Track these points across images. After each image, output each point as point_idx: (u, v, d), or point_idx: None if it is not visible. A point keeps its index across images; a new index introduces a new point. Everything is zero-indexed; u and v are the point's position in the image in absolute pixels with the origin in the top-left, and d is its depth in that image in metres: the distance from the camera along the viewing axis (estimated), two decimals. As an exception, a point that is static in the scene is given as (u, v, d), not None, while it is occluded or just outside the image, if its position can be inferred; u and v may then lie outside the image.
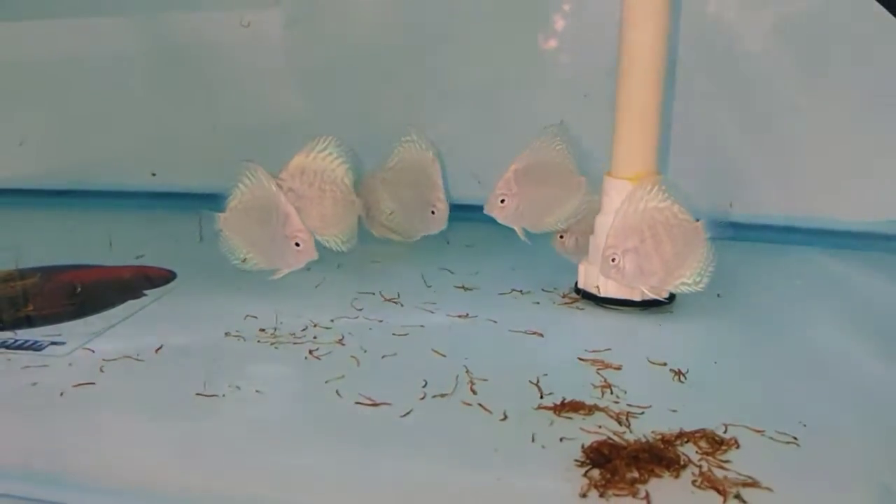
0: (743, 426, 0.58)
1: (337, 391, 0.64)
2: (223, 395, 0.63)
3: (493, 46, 1.09)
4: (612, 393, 0.64)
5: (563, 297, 0.85)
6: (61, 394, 0.63)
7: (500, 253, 0.98)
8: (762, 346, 0.73)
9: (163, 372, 0.68)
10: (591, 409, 0.61)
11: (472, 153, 1.08)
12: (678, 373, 0.67)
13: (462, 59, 1.11)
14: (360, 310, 0.81)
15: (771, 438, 0.57)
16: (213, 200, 1.03)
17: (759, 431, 0.57)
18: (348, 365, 0.69)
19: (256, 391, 0.64)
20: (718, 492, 0.50)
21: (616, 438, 0.56)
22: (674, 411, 0.60)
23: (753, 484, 0.51)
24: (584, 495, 0.50)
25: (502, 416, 0.60)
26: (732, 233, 0.80)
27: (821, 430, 0.58)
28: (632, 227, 0.77)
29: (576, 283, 0.86)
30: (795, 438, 0.56)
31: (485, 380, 0.66)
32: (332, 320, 0.78)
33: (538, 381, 0.65)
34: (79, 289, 0.87)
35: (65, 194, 1.22)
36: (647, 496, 0.50)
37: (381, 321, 0.79)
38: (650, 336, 0.76)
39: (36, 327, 0.77)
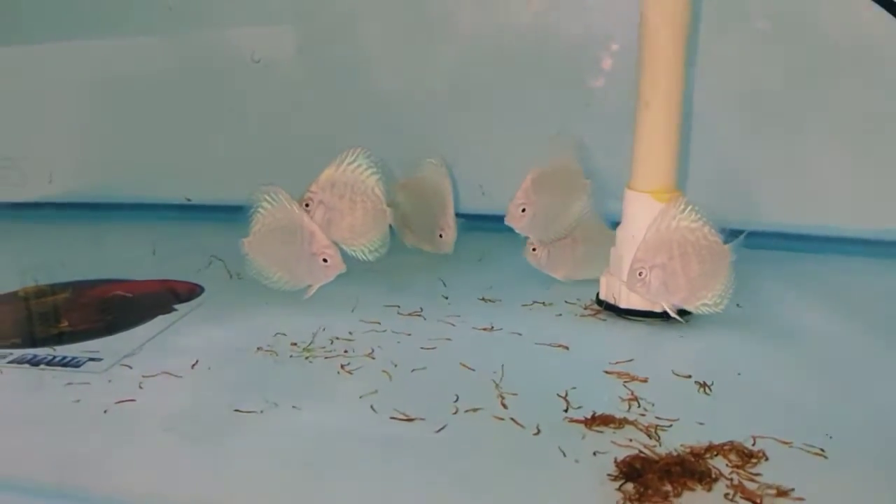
0: (771, 438, 0.59)
1: (372, 406, 0.66)
2: (261, 412, 0.65)
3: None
4: (639, 406, 0.65)
5: (585, 308, 0.87)
6: (105, 411, 0.65)
7: (512, 264, 0.98)
8: (785, 357, 0.75)
9: (200, 388, 0.70)
10: (621, 423, 0.62)
11: (476, 164, 1.10)
12: (703, 385, 0.68)
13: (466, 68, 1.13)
14: (385, 323, 0.83)
15: (800, 449, 0.58)
16: (239, 212, 1.08)
17: (786, 443, 0.59)
18: (380, 379, 0.71)
19: (293, 407, 0.66)
20: (753, 501, 0.52)
21: (647, 452, 0.58)
22: (701, 424, 0.62)
23: (785, 494, 0.53)
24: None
25: (535, 431, 0.62)
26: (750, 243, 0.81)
27: (847, 441, 0.59)
28: (662, 244, 0.79)
29: (597, 295, 0.88)
30: (823, 451, 0.58)
31: (514, 394, 0.68)
32: (361, 333, 0.80)
33: (566, 395, 0.67)
34: (128, 296, 0.89)
35: (89, 207, 1.24)
36: (681, 509, 0.52)
37: (408, 334, 0.80)
38: (673, 348, 0.78)
39: (72, 343, 0.79)
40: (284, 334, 0.80)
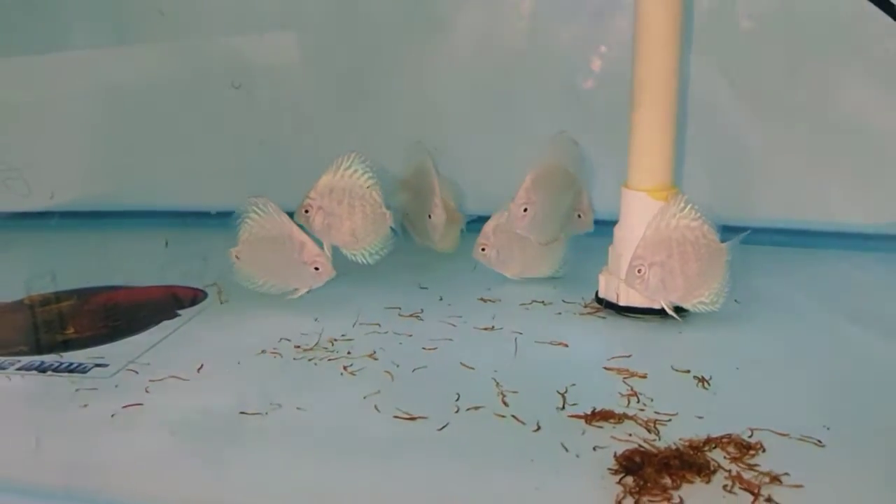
0: (768, 430, 0.60)
1: (376, 406, 0.67)
2: (266, 413, 0.66)
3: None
4: (639, 401, 0.66)
5: (585, 306, 0.88)
6: (112, 415, 0.66)
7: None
8: (782, 352, 0.76)
9: (206, 391, 0.71)
10: (620, 418, 0.63)
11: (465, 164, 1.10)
12: (702, 380, 0.69)
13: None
14: (386, 324, 0.84)
15: (798, 440, 0.59)
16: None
17: (783, 435, 0.60)
18: (383, 380, 0.72)
19: (298, 408, 0.67)
20: (751, 493, 0.53)
21: (647, 446, 0.59)
22: (700, 418, 0.63)
23: (780, 482, 0.54)
24: (619, 503, 0.53)
25: (535, 427, 0.63)
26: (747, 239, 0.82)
27: (844, 433, 0.60)
28: (661, 242, 0.80)
29: (596, 293, 0.89)
30: (820, 441, 0.59)
31: (515, 392, 0.69)
32: (363, 335, 0.81)
33: (566, 392, 0.68)
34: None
35: (93, 216, 1.25)
36: (682, 502, 0.53)
37: (409, 335, 0.81)
38: (671, 344, 0.79)
39: (78, 350, 0.79)
40: (288, 338, 0.81)
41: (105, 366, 0.76)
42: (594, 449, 0.59)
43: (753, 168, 1.06)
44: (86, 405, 0.68)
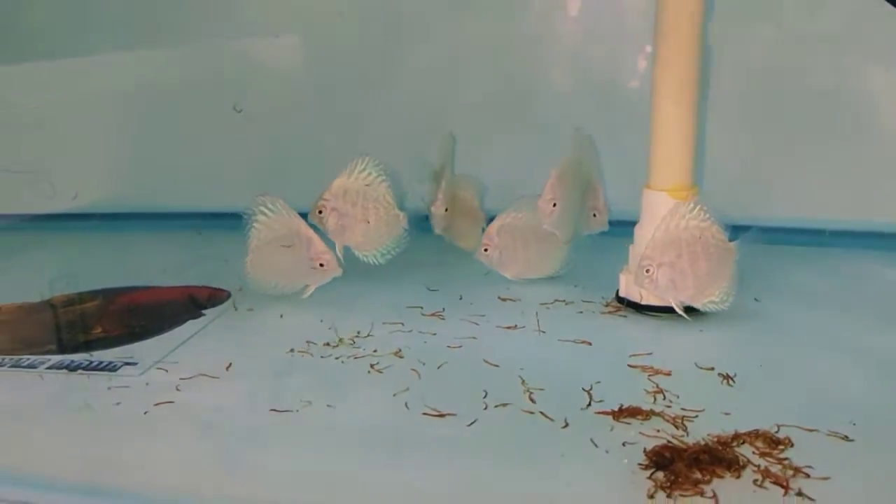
0: (795, 426, 0.61)
1: (406, 404, 0.67)
2: (297, 411, 0.67)
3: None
4: (665, 398, 0.67)
5: (606, 305, 0.88)
6: (145, 413, 0.67)
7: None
8: (804, 349, 0.76)
9: (236, 388, 0.72)
10: (647, 415, 0.64)
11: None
12: (726, 377, 0.70)
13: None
14: (409, 323, 0.85)
15: (825, 435, 0.60)
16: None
17: (811, 430, 0.60)
18: (410, 377, 0.73)
19: (328, 405, 0.68)
20: (781, 486, 0.53)
21: (675, 442, 0.60)
22: (727, 414, 0.64)
23: (807, 475, 0.55)
24: (651, 496, 0.54)
25: (563, 424, 0.63)
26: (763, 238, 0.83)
27: (871, 427, 0.61)
28: (671, 242, 0.80)
29: (616, 292, 0.89)
30: (847, 437, 0.59)
31: (541, 389, 0.69)
32: (387, 334, 0.82)
33: (591, 389, 0.69)
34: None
35: (114, 218, 1.26)
36: (715, 495, 0.53)
37: (433, 334, 0.82)
38: (694, 342, 0.79)
39: (106, 349, 0.80)
40: (313, 336, 0.82)
41: (134, 364, 0.76)
42: (623, 445, 0.60)
43: (772, 167, 1.06)
44: (118, 403, 0.69)
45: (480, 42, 1.14)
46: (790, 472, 0.55)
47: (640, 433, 0.61)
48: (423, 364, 0.75)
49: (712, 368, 0.72)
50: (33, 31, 1.20)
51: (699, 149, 0.86)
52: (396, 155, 0.96)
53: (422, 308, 0.89)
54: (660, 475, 0.56)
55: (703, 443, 0.59)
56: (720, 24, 0.99)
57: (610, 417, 0.64)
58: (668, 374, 0.71)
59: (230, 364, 0.76)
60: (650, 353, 0.76)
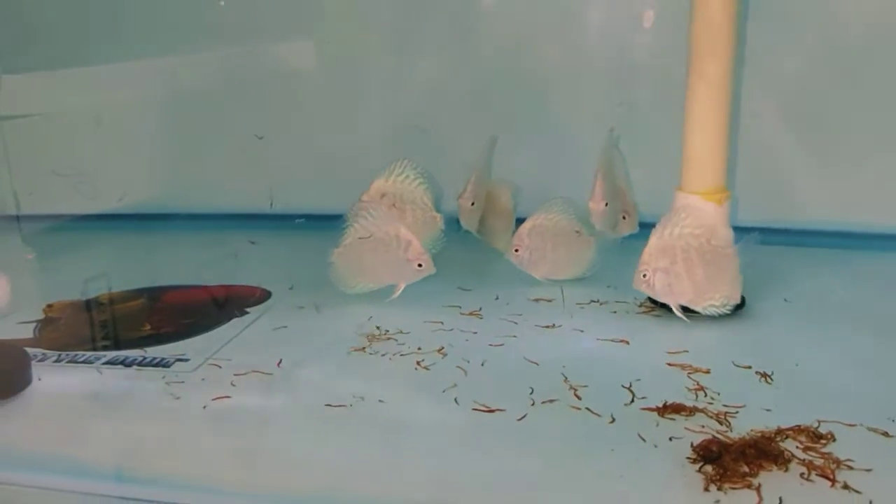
0: (836, 421, 0.63)
1: (455, 399, 0.70)
2: (350, 406, 0.69)
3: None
4: (706, 395, 0.69)
5: (639, 306, 0.91)
6: (204, 407, 0.70)
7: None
8: (838, 349, 0.78)
9: (289, 384, 0.74)
10: (691, 411, 0.66)
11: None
12: (764, 375, 0.72)
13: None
14: (449, 322, 0.87)
15: (866, 430, 0.62)
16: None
17: (851, 425, 0.63)
18: (456, 374, 0.75)
19: (379, 401, 0.70)
20: (827, 478, 0.56)
21: (721, 437, 0.62)
22: (768, 410, 0.66)
23: (851, 467, 0.57)
24: (707, 489, 0.56)
25: (611, 419, 0.66)
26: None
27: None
28: (665, 249, 0.84)
29: (649, 293, 0.92)
30: (888, 433, 0.62)
31: (585, 386, 0.72)
32: (430, 332, 0.84)
33: (630, 386, 0.71)
34: (221, 300, 0.96)
35: (155, 218, 1.29)
36: (758, 488, 0.55)
37: (474, 332, 0.84)
38: (728, 341, 0.81)
39: (157, 345, 0.83)
40: (357, 334, 0.84)
41: (186, 360, 0.79)
42: (670, 439, 0.62)
43: (803, 170, 1.08)
44: (178, 397, 0.71)
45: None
46: (834, 465, 0.58)
47: (686, 428, 0.64)
48: (468, 362, 0.77)
49: (749, 367, 0.74)
50: (74, 37, 1.22)
51: (732, 152, 0.88)
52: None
53: (460, 307, 0.92)
54: (709, 469, 0.58)
55: (747, 437, 0.61)
56: (755, 27, 1.01)
57: (655, 413, 0.66)
58: (707, 372, 0.74)
59: (280, 360, 0.78)
60: (686, 352, 0.78)
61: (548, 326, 0.86)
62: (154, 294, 0.98)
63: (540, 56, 1.16)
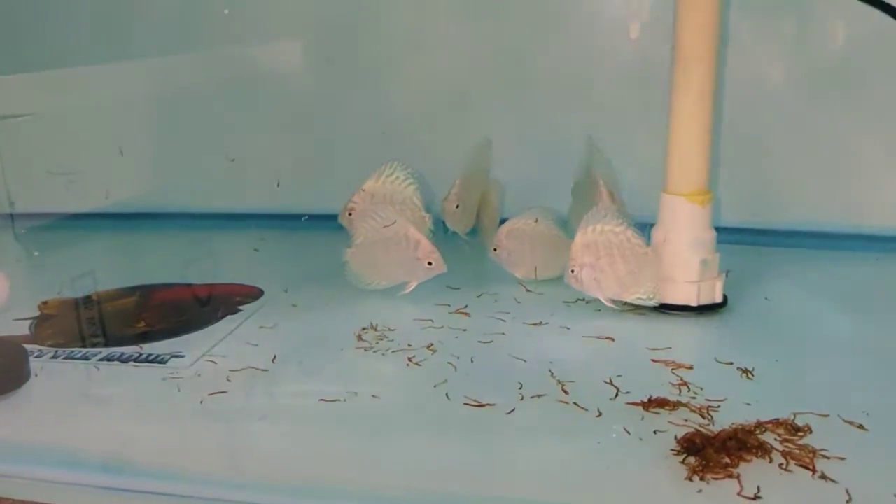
0: (812, 413, 0.66)
1: (447, 394, 0.72)
2: (344, 400, 0.71)
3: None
4: (689, 390, 0.72)
5: (624, 304, 0.93)
6: (201, 402, 0.71)
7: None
8: (816, 345, 0.81)
9: (284, 379, 0.76)
10: (675, 405, 0.69)
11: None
12: (745, 371, 0.75)
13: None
14: (439, 319, 0.89)
15: (841, 423, 0.65)
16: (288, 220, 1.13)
17: (824, 416, 0.65)
18: (447, 370, 0.77)
19: (373, 396, 0.72)
20: (807, 467, 0.58)
21: (703, 430, 0.64)
22: (748, 404, 0.68)
23: (827, 457, 0.59)
24: (689, 479, 0.58)
25: (597, 413, 0.68)
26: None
27: (884, 417, 0.65)
28: (589, 246, 0.88)
29: (633, 291, 0.94)
30: (862, 426, 0.64)
31: (572, 381, 0.74)
32: (420, 330, 0.86)
33: (614, 381, 0.73)
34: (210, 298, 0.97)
35: (145, 217, 1.30)
36: (738, 477, 0.58)
37: (464, 330, 0.87)
38: (710, 338, 0.84)
39: (151, 342, 0.84)
40: (348, 331, 0.86)
41: (181, 357, 0.80)
42: (654, 433, 0.65)
43: (786, 172, 1.11)
44: (175, 393, 0.73)
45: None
46: (811, 455, 0.60)
47: (670, 422, 0.66)
48: (458, 358, 0.79)
49: (731, 363, 0.77)
50: (61, 38, 1.23)
51: (714, 154, 0.91)
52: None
53: (449, 305, 0.93)
54: (692, 460, 0.61)
55: (729, 430, 0.64)
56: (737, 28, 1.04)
57: (640, 408, 0.69)
58: (690, 367, 0.76)
59: (275, 357, 0.80)
60: (669, 348, 0.80)
61: (535, 324, 0.88)
62: (146, 292, 0.99)
63: (527, 59, 1.18)
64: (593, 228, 0.88)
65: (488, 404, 0.70)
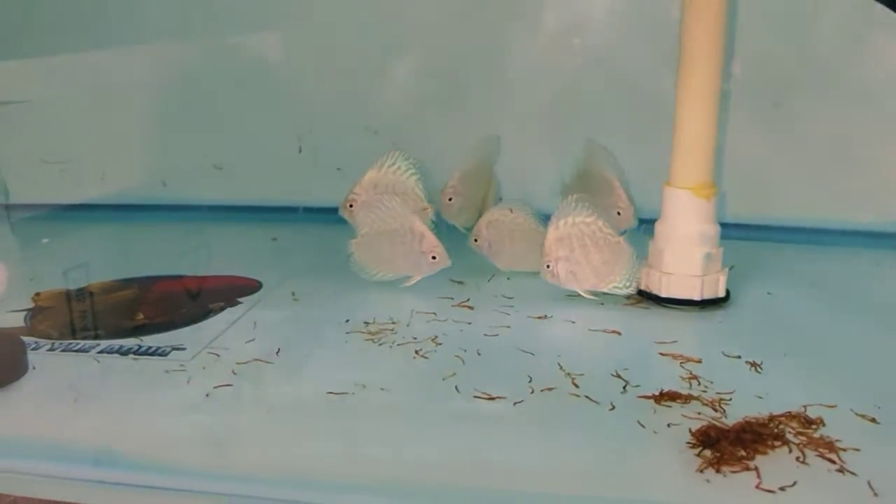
0: (820, 404, 0.66)
1: (456, 387, 0.71)
2: (352, 393, 0.70)
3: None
4: (699, 383, 0.71)
5: (627, 298, 0.93)
6: (206, 395, 0.70)
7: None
8: (823, 340, 0.81)
9: (289, 372, 0.75)
10: (687, 398, 0.68)
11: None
12: (754, 364, 0.75)
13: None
14: (444, 312, 0.88)
15: (853, 416, 0.65)
16: (287, 213, 1.12)
17: (831, 407, 0.66)
18: (455, 363, 0.76)
19: (381, 389, 0.71)
20: (833, 460, 0.58)
21: (717, 423, 0.64)
22: (760, 398, 0.68)
23: (843, 449, 0.59)
24: (700, 471, 0.58)
25: (610, 406, 0.68)
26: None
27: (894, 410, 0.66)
28: (562, 239, 0.88)
29: (637, 285, 0.94)
30: (875, 419, 0.64)
31: (581, 374, 0.73)
32: (424, 322, 0.86)
33: (623, 374, 0.73)
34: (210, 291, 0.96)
35: (141, 209, 1.28)
36: (757, 469, 0.58)
37: (469, 323, 0.86)
38: (715, 332, 0.84)
39: (151, 335, 0.83)
40: (351, 323, 0.85)
41: (183, 349, 0.79)
42: (668, 426, 0.64)
43: (790, 169, 1.11)
44: (178, 386, 0.72)
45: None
46: (826, 449, 0.60)
47: (682, 415, 0.66)
48: (465, 351, 0.79)
49: (739, 357, 0.76)
50: (56, 25, 1.21)
51: (719, 148, 0.91)
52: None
53: (452, 298, 0.93)
54: (707, 453, 0.60)
55: (743, 423, 0.64)
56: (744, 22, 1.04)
57: (652, 401, 0.68)
58: (699, 361, 0.76)
59: (279, 349, 0.79)
60: (675, 342, 0.80)
61: (540, 317, 0.87)
62: (144, 284, 0.97)
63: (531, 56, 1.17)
64: (564, 221, 0.88)
65: (499, 397, 0.69)
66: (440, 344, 0.80)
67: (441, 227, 0.99)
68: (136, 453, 0.62)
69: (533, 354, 0.78)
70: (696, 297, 0.89)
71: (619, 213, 1.01)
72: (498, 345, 0.81)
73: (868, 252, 1.08)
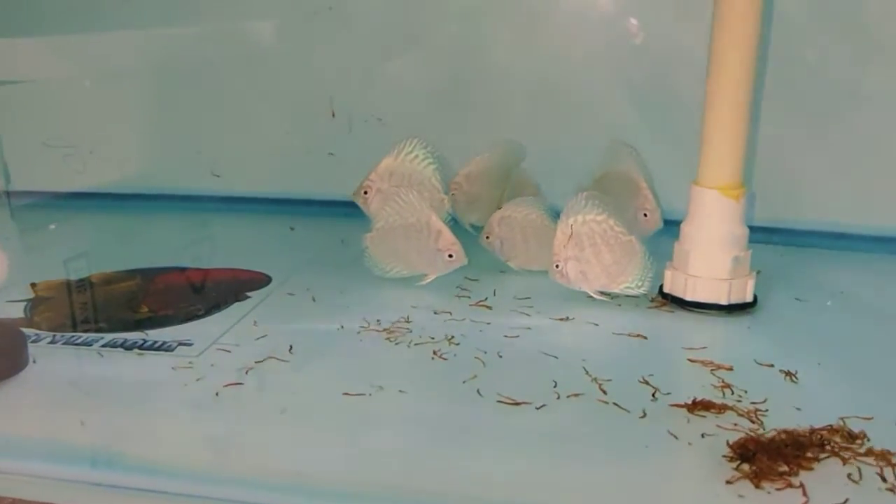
0: (857, 416, 0.63)
1: (478, 391, 0.68)
2: (370, 395, 0.67)
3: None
4: (733, 392, 0.68)
5: (651, 300, 0.89)
6: (216, 394, 0.67)
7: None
8: (856, 348, 0.78)
9: (302, 371, 0.72)
10: (721, 408, 0.65)
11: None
12: (789, 373, 0.72)
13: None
14: (460, 312, 0.85)
15: (897, 429, 0.62)
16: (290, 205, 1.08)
17: (867, 419, 0.62)
18: (475, 365, 0.73)
19: (400, 391, 0.68)
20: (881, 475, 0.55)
21: (755, 435, 0.61)
22: (798, 409, 0.65)
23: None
24: (730, 482, 0.55)
25: (641, 414, 0.64)
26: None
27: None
28: (572, 238, 0.85)
29: (660, 287, 0.91)
30: (922, 432, 0.61)
31: (609, 380, 0.70)
32: (441, 322, 0.82)
33: (651, 381, 0.70)
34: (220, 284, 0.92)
35: (147, 198, 1.24)
36: (803, 486, 0.54)
37: (487, 323, 0.82)
38: (744, 338, 0.81)
39: (155, 328, 0.79)
40: (364, 320, 0.82)
41: (190, 344, 0.75)
42: (702, 436, 0.61)
43: (819, 172, 1.08)
44: (186, 384, 0.68)
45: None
46: (883, 463, 0.57)
47: (718, 426, 0.62)
48: (485, 352, 0.75)
49: (772, 365, 0.73)
50: (65, 9, 1.17)
51: (749, 148, 0.87)
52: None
53: (469, 297, 0.89)
54: (745, 467, 0.57)
55: (784, 436, 0.60)
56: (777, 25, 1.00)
57: (684, 410, 0.65)
58: (730, 369, 0.72)
59: (291, 346, 0.75)
60: (705, 348, 0.77)
61: (562, 319, 0.84)
62: (147, 276, 0.94)
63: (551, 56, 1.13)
64: (574, 220, 0.85)
65: (524, 402, 0.66)
66: (457, 344, 0.77)
67: (457, 222, 0.96)
68: (137, 454, 0.59)
69: (557, 358, 0.75)
70: (724, 302, 0.85)
71: (645, 216, 0.97)
72: (520, 347, 0.77)
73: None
